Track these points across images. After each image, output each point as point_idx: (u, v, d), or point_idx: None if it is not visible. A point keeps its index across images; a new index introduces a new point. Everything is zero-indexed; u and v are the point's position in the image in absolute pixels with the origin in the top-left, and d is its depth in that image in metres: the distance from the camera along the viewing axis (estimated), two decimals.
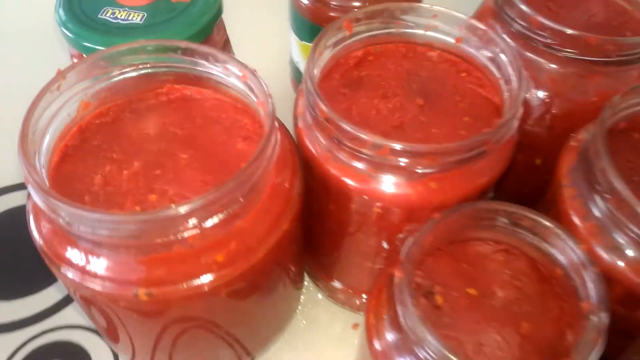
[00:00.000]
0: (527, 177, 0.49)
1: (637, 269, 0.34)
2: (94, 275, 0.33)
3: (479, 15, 0.50)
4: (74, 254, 0.33)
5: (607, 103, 0.36)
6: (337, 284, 0.49)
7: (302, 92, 0.41)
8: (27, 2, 0.77)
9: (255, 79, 0.37)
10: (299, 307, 0.53)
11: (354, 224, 0.41)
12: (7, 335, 0.50)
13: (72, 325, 0.52)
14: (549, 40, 0.42)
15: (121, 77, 0.40)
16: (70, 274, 0.33)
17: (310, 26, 0.56)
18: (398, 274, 0.32)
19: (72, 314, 0.52)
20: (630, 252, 0.33)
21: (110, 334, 0.41)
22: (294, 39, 0.61)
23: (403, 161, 0.35)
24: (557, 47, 0.42)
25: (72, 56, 0.48)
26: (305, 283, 0.55)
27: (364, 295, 0.49)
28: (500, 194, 0.56)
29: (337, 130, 0.36)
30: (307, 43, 0.59)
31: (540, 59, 0.44)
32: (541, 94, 0.45)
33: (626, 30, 0.47)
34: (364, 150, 0.35)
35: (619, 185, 0.31)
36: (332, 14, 0.54)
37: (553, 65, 0.44)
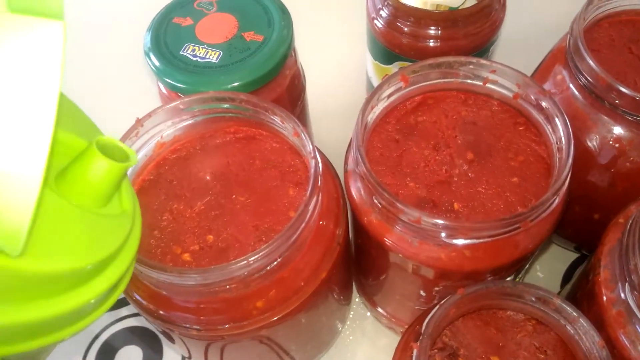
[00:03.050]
0: (585, 228, 0.48)
1: None
2: None
3: (552, 57, 0.48)
4: None
5: None
6: (381, 311, 0.52)
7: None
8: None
9: (304, 138, 0.39)
10: (348, 322, 0.57)
11: (393, 271, 0.43)
12: None
13: None
14: (616, 101, 0.40)
15: (192, 120, 0.44)
16: None
17: (383, 49, 0.57)
18: (415, 347, 0.34)
19: None
20: None
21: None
22: (368, 56, 0.62)
23: (434, 230, 0.36)
24: (623, 109, 0.40)
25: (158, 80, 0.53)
26: (357, 299, 0.58)
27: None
28: (563, 234, 0.55)
29: (376, 191, 0.37)
30: (380, 64, 0.60)
31: (605, 117, 0.42)
32: (605, 150, 0.43)
33: None
34: (398, 215, 0.37)
35: None
36: (404, 41, 0.54)
37: (619, 126, 0.42)
